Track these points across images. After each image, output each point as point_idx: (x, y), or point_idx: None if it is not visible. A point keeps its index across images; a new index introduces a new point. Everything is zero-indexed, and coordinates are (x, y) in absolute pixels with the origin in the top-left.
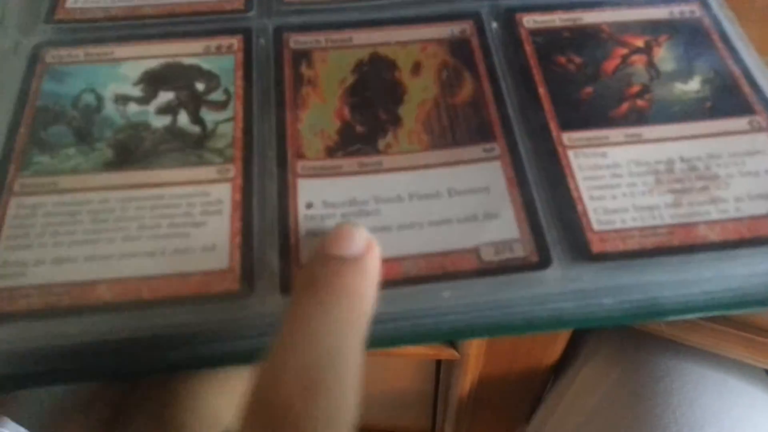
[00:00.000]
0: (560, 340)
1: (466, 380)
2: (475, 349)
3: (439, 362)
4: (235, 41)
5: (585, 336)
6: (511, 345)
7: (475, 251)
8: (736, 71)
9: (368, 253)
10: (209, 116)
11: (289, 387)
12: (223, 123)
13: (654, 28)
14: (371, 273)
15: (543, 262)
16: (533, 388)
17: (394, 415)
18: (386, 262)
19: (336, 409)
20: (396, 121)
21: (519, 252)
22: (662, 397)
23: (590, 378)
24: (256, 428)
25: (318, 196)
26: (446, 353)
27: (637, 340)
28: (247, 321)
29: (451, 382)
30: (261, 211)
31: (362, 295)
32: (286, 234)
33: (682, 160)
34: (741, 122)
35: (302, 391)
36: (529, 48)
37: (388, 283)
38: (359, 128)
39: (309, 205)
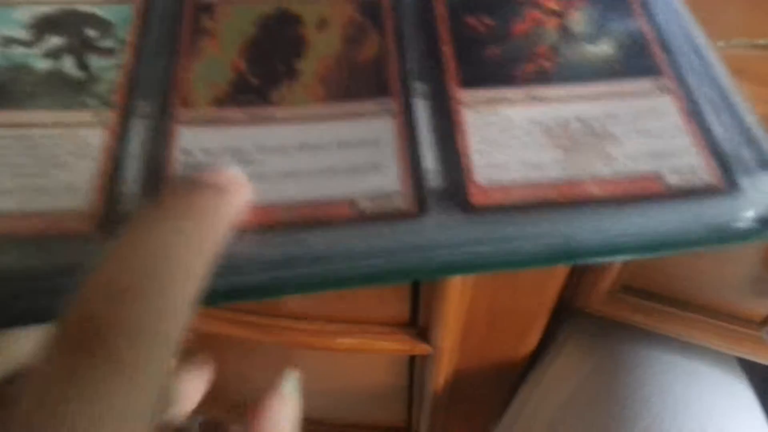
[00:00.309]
0: (534, 331)
1: (440, 374)
2: (448, 342)
3: (413, 357)
4: None
5: (559, 327)
6: (484, 337)
7: (352, 201)
8: (650, 34)
9: (232, 183)
10: (96, 62)
11: (101, 294)
12: (109, 69)
13: None
14: (230, 201)
15: (420, 212)
16: (507, 380)
17: (369, 410)
18: (259, 208)
19: (150, 321)
20: (293, 74)
21: (398, 203)
22: (634, 388)
23: (563, 370)
24: (62, 340)
25: (197, 145)
26: (419, 348)
27: (610, 330)
28: None
29: (426, 377)
30: (134, 158)
31: (214, 216)
32: (156, 181)
33: (579, 119)
34: (647, 84)
35: (113, 298)
36: (440, 8)
37: (257, 229)
38: (254, 80)
39: (186, 153)
